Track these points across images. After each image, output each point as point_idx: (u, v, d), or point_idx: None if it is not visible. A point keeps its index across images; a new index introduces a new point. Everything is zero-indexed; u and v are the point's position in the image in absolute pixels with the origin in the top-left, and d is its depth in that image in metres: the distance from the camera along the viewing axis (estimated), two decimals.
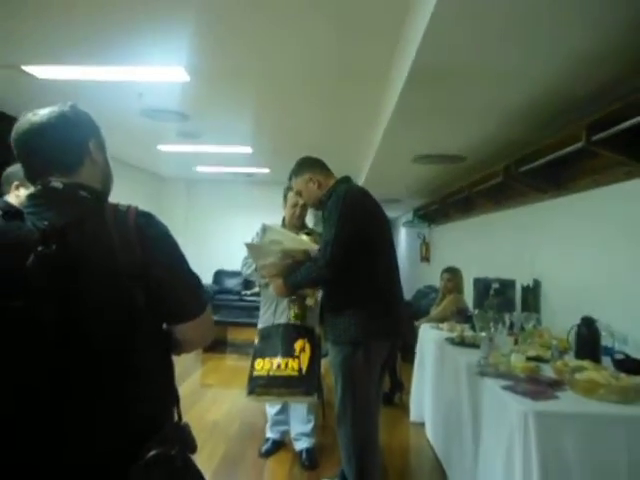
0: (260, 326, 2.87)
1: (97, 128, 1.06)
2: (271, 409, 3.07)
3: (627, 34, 1.75)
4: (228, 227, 8.00)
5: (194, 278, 1.00)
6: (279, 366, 2.33)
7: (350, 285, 2.10)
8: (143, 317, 0.88)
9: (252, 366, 2.43)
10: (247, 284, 7.80)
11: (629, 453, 1.65)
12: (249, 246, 2.31)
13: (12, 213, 0.87)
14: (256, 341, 2.59)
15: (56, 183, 0.93)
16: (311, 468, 2.83)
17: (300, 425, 2.97)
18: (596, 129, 2.20)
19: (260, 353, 2.44)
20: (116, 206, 0.94)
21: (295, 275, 2.14)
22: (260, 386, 2.35)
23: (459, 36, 1.81)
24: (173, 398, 0.99)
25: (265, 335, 2.54)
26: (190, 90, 3.28)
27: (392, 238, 2.35)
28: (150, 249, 0.90)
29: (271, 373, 2.33)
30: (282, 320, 2.65)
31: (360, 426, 2.10)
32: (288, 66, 2.88)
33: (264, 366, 2.37)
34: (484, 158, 3.89)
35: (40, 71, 3.00)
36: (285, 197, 2.97)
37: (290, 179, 2.42)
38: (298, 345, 2.37)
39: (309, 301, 2.38)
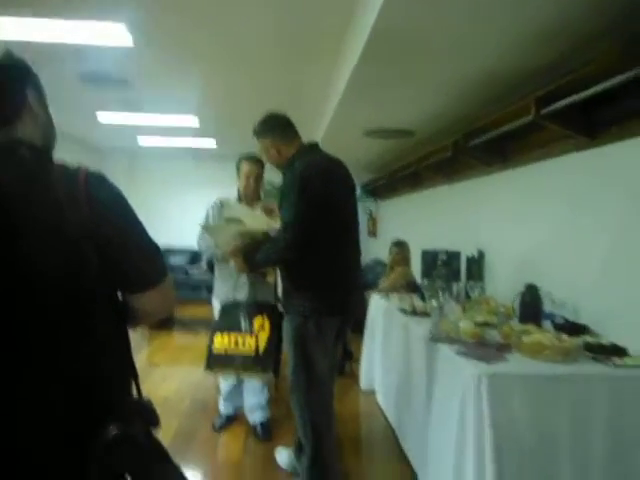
0: (216, 299, 2.83)
1: (35, 76, 0.95)
2: (225, 383, 3.03)
3: (581, 8, 1.80)
4: (173, 204, 7.74)
5: (152, 244, 0.94)
6: (237, 343, 2.33)
7: (305, 263, 2.07)
8: (96, 282, 0.82)
9: (211, 341, 2.40)
10: (193, 260, 7.63)
11: (573, 409, 1.77)
12: (206, 228, 2.23)
13: None
14: (216, 315, 2.56)
15: None
16: (266, 440, 2.85)
17: (254, 397, 2.96)
18: (545, 103, 2.27)
19: (219, 328, 2.42)
20: (64, 165, 0.86)
21: (256, 255, 2.12)
22: (218, 363, 2.35)
23: (417, 3, 1.79)
24: (131, 372, 0.93)
25: (226, 310, 2.51)
26: (133, 53, 3.07)
27: (356, 209, 2.30)
28: (102, 211, 0.83)
29: (229, 351, 2.33)
30: (242, 294, 2.62)
31: (313, 393, 2.12)
32: (239, 31, 2.75)
33: (223, 342, 2.36)
34: (433, 133, 3.96)
35: None
36: (238, 168, 2.87)
37: (253, 135, 2.28)
38: (257, 322, 2.37)
39: (269, 278, 2.35)
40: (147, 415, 0.87)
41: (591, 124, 2.26)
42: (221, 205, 2.29)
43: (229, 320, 2.42)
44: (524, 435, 1.77)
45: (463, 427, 1.82)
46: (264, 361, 2.30)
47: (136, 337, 5.18)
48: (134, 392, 0.95)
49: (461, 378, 1.89)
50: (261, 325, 2.36)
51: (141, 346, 5.04)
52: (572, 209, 2.55)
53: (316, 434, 2.11)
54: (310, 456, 2.12)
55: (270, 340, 2.32)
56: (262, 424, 2.93)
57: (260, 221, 2.24)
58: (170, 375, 4.12)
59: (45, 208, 0.79)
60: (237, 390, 3.02)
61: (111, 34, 2.72)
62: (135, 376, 0.94)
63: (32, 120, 0.90)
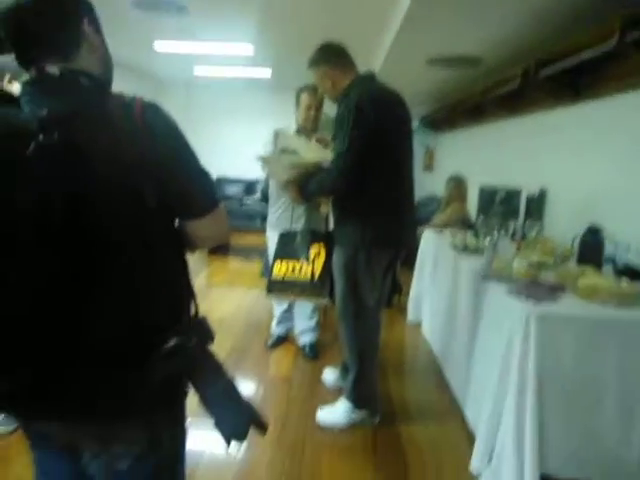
0: (270, 229, 2.96)
1: (90, 4, 0.94)
2: (278, 307, 3.22)
3: None
4: (229, 133, 7.80)
5: (204, 173, 0.95)
6: (294, 270, 2.44)
7: (358, 193, 2.08)
8: (154, 209, 0.85)
9: (272, 267, 2.53)
10: (249, 191, 7.79)
11: (622, 354, 1.76)
12: (261, 158, 2.26)
13: (7, 98, 0.81)
14: (269, 244, 2.69)
15: (52, 69, 0.84)
16: (313, 359, 3.04)
17: (305, 321, 3.13)
18: (631, 26, 2.04)
19: (280, 255, 2.54)
20: (121, 95, 0.88)
21: (309, 185, 2.14)
22: (277, 288, 2.48)
23: None
24: (189, 293, 0.99)
25: (284, 239, 2.61)
26: None
27: (411, 142, 2.25)
28: (158, 140, 0.85)
29: (287, 277, 2.45)
30: (299, 225, 2.71)
31: (360, 322, 2.20)
32: None
33: (281, 269, 2.48)
34: (501, 61, 3.68)
35: None
36: (298, 98, 2.85)
37: (309, 67, 2.25)
38: (314, 250, 2.45)
39: (323, 208, 2.39)
40: (203, 331, 0.94)
41: None
42: (276, 135, 2.30)
43: (287, 248, 2.53)
44: (568, 377, 1.78)
45: (507, 365, 1.85)
46: (320, 287, 2.39)
47: (195, 260, 5.49)
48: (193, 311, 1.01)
49: (509, 317, 1.90)
50: (317, 253, 2.44)
51: (200, 269, 5.35)
52: None
53: (361, 359, 2.23)
54: (354, 377, 2.25)
55: (325, 267, 2.39)
56: (310, 344, 3.11)
57: (315, 152, 2.24)
58: (226, 297, 4.38)
59: (105, 136, 0.81)
60: (288, 314, 3.21)
61: None
62: (193, 296, 1.00)
63: (90, 51, 0.91)
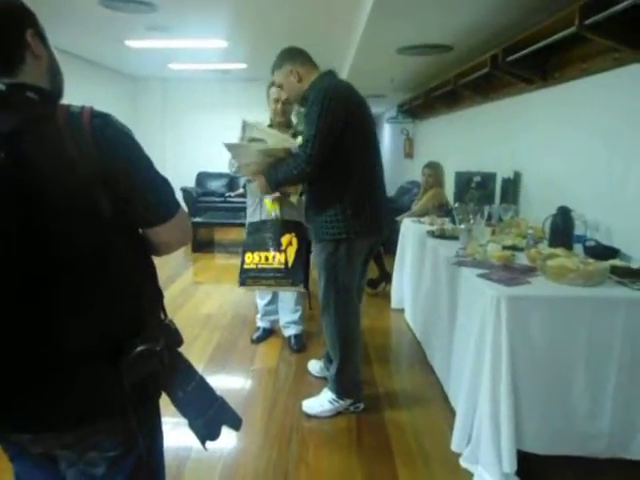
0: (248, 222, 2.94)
1: (32, 14, 0.91)
2: (261, 301, 3.26)
3: None
4: (208, 127, 7.76)
5: (160, 180, 0.94)
6: (267, 259, 2.44)
7: (332, 182, 2.12)
8: (111, 222, 0.85)
9: (242, 259, 2.52)
10: (231, 186, 7.78)
11: (590, 330, 1.82)
12: (228, 146, 2.26)
13: None
14: (245, 236, 2.66)
15: None
16: (299, 351, 3.09)
17: (288, 314, 3.17)
18: (589, 11, 2.10)
19: (249, 247, 2.52)
20: (68, 107, 0.86)
21: (276, 172, 2.15)
22: (250, 277, 2.47)
23: None
24: (156, 297, 1.00)
25: (253, 230, 2.60)
26: None
27: (376, 134, 2.32)
28: (108, 150, 0.84)
29: (259, 266, 2.44)
30: (273, 216, 2.68)
31: (342, 316, 2.26)
32: None
33: (253, 259, 2.47)
34: (471, 47, 3.71)
35: None
36: (267, 95, 2.87)
37: (272, 73, 2.32)
38: (285, 239, 2.45)
39: (292, 198, 2.40)
40: (170, 334, 0.96)
41: (638, 35, 2.08)
42: (244, 125, 2.31)
43: (257, 240, 2.51)
44: (540, 355, 1.84)
45: (481, 346, 1.90)
46: (294, 275, 2.40)
47: (180, 258, 5.51)
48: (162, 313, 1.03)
49: (481, 299, 1.95)
50: (289, 242, 2.44)
51: (185, 266, 5.36)
52: (610, 128, 2.43)
53: (343, 349, 2.29)
54: (337, 368, 2.31)
55: (298, 254, 2.40)
56: (296, 336, 3.16)
57: (282, 141, 2.26)
58: (213, 293, 4.41)
59: (54, 150, 0.81)
60: (272, 307, 3.25)
61: None
62: (161, 299, 1.01)
63: (35, 63, 0.89)
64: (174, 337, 0.97)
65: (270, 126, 2.87)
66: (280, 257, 2.42)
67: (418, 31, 3.33)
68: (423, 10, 2.88)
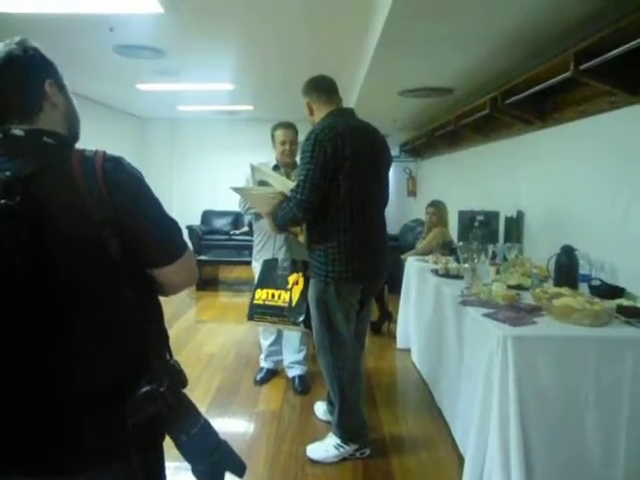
0: (255, 261, 3.04)
1: (51, 65, 0.97)
2: (265, 341, 3.23)
3: None
4: (214, 167, 7.90)
5: (169, 222, 0.97)
6: (273, 296, 2.56)
7: (322, 224, 2.13)
8: (120, 264, 0.87)
9: (253, 295, 2.65)
10: (236, 223, 7.85)
11: (598, 371, 1.78)
12: (235, 189, 2.35)
13: None
14: (258, 273, 2.80)
15: (17, 130, 0.88)
16: (303, 393, 3.03)
17: (293, 355, 3.13)
18: (584, 57, 2.17)
19: (260, 284, 2.67)
20: (82, 152, 0.89)
21: (277, 215, 2.21)
22: (257, 313, 2.60)
23: None
24: (162, 337, 1.00)
25: (266, 267, 2.73)
26: (164, 23, 3.11)
27: (379, 176, 2.28)
28: (119, 194, 0.87)
29: (266, 302, 2.57)
30: (281, 254, 2.79)
31: (337, 353, 2.21)
32: (267, 3, 2.73)
33: (262, 296, 2.60)
34: (472, 90, 3.82)
35: None
36: (272, 136, 2.94)
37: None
38: (292, 278, 2.55)
39: (300, 238, 2.44)
40: (175, 376, 0.96)
41: (633, 79, 2.14)
42: (253, 169, 2.39)
43: (269, 277, 2.65)
44: (549, 397, 1.80)
45: (489, 387, 1.86)
46: (295, 314, 2.46)
47: (184, 297, 5.50)
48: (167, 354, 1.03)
49: (487, 339, 1.93)
50: (295, 281, 2.53)
51: (189, 305, 5.34)
52: (610, 169, 2.46)
53: (342, 391, 2.23)
54: (339, 410, 2.26)
55: (303, 294, 2.46)
56: (300, 377, 3.11)
57: (283, 184, 2.31)
58: (216, 331, 4.38)
59: (67, 195, 0.84)
60: (276, 347, 3.22)
61: (142, 4, 2.77)
62: (166, 340, 1.02)
63: (53, 111, 0.94)
64: (179, 378, 0.96)
65: (276, 167, 2.93)
66: (285, 295, 2.51)
67: (418, 75, 3.44)
68: (422, 56, 2.98)
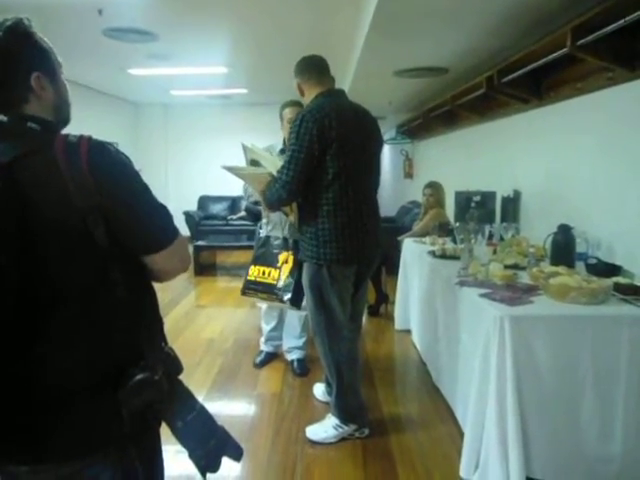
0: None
1: (43, 54, 0.94)
2: (266, 325, 3.25)
3: None
4: (209, 151, 7.83)
5: (157, 208, 0.94)
6: (264, 273, 2.64)
7: (312, 206, 2.12)
8: (107, 250, 0.86)
9: (247, 271, 2.73)
10: (233, 208, 7.82)
11: (595, 349, 1.80)
12: (226, 168, 2.35)
13: None
14: (255, 249, 2.87)
15: (0, 116, 0.86)
16: (302, 375, 3.05)
17: (293, 340, 3.15)
18: (581, 33, 2.13)
19: (255, 260, 2.75)
20: (66, 137, 0.86)
21: (265, 194, 2.21)
22: (249, 288, 2.69)
23: None
24: (155, 324, 0.99)
25: (260, 244, 2.79)
26: (155, 5, 3.05)
27: (376, 158, 2.29)
28: (104, 179, 0.85)
29: (258, 279, 2.66)
30: (275, 231, 2.81)
31: (333, 336, 2.22)
32: None
33: (254, 272, 2.69)
34: (467, 69, 3.77)
35: None
36: (281, 114, 2.92)
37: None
38: (282, 257, 2.61)
39: (291, 217, 2.44)
40: (170, 363, 0.95)
41: (630, 55, 2.11)
42: (244, 149, 2.39)
43: (262, 254, 2.72)
44: (546, 377, 1.81)
45: (486, 368, 1.88)
46: (283, 291, 2.52)
47: (183, 282, 5.50)
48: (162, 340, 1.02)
49: (485, 319, 1.94)
50: (285, 260, 2.58)
51: (188, 290, 5.34)
52: (607, 146, 2.45)
53: (339, 372, 2.24)
54: (336, 392, 2.27)
55: (291, 273, 2.51)
56: (299, 360, 3.13)
57: (273, 163, 2.30)
58: (215, 316, 4.39)
59: (50, 180, 0.82)
60: (277, 332, 3.23)
61: None
62: (161, 326, 1.01)
63: (39, 101, 0.91)
64: (174, 365, 0.95)
65: (282, 150, 2.91)
66: (274, 273, 2.58)
67: (413, 54, 3.39)
68: (417, 34, 2.93)
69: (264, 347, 3.29)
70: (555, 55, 2.41)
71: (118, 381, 0.86)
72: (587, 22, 2.10)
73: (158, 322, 1.00)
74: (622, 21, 1.91)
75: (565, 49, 2.24)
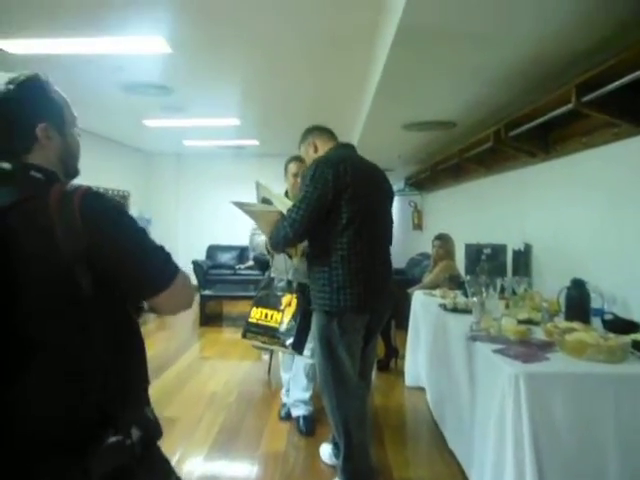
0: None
1: (52, 106, 0.95)
2: (285, 374, 3.18)
3: None
4: (219, 201, 7.92)
5: (155, 250, 0.93)
6: (266, 316, 2.56)
7: (322, 252, 2.11)
8: (92, 301, 0.84)
9: (250, 312, 2.64)
10: (241, 258, 7.83)
11: (616, 410, 1.69)
12: (235, 203, 2.37)
13: None
14: (257, 290, 2.82)
15: (4, 164, 0.87)
16: (308, 434, 2.91)
17: (299, 392, 3.04)
18: (586, 89, 2.17)
19: (257, 302, 2.66)
20: (63, 186, 0.88)
21: (272, 232, 2.20)
22: (251, 331, 2.59)
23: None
24: (138, 383, 0.95)
25: (264, 286, 2.74)
26: (172, 62, 3.19)
27: (383, 208, 2.30)
28: (93, 225, 0.84)
29: (260, 322, 2.57)
30: (290, 274, 2.75)
31: (342, 392, 2.13)
32: (273, 34, 2.80)
33: (256, 315, 2.60)
34: (475, 123, 3.85)
35: (10, 45, 2.86)
36: (286, 168, 2.97)
37: (299, 148, 2.45)
38: (286, 300, 2.53)
39: (295, 260, 2.42)
40: (148, 427, 0.90)
41: (636, 110, 2.13)
42: (258, 186, 2.42)
43: (265, 296, 2.66)
44: (565, 436, 1.70)
45: (502, 427, 1.78)
46: (285, 335, 2.44)
47: (188, 332, 5.42)
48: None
49: (499, 377, 1.85)
50: (288, 302, 2.50)
51: (192, 341, 5.25)
52: (616, 200, 2.43)
53: (347, 431, 2.14)
54: (344, 453, 2.15)
55: (294, 317, 2.43)
56: (304, 417, 3.00)
57: (284, 205, 2.31)
58: (219, 369, 4.28)
59: (39, 228, 0.82)
60: None
61: (151, 45, 2.84)
62: (145, 384, 0.96)
63: (43, 150, 0.93)
64: (152, 430, 0.90)
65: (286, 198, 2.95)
66: (277, 316, 2.50)
67: (421, 108, 3.47)
68: (423, 89, 3.01)
69: (285, 399, 3.19)
70: (560, 111, 2.44)
71: (87, 440, 0.81)
72: (592, 79, 2.14)
73: (141, 382, 0.95)
74: (626, 78, 1.94)
75: (570, 105, 2.28)
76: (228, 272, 7.55)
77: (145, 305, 0.97)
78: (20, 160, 0.89)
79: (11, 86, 0.90)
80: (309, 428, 2.94)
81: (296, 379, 3.06)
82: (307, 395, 3.02)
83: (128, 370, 0.93)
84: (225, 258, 7.97)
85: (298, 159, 2.90)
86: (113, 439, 0.82)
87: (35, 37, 2.76)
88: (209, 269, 7.59)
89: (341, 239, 2.07)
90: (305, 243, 2.30)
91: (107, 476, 0.82)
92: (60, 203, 0.83)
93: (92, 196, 0.87)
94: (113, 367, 0.88)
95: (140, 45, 2.85)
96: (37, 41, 2.79)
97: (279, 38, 2.84)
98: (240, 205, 2.42)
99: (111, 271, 0.86)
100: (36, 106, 0.93)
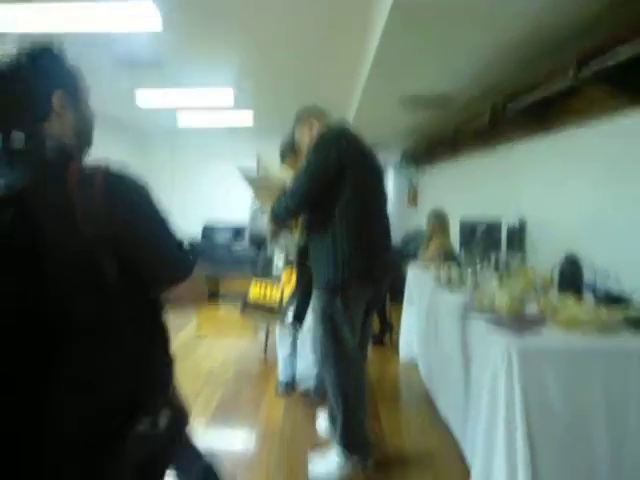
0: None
1: (67, 75, 0.95)
2: (282, 350, 3.20)
3: None
4: (215, 180, 7.89)
5: (174, 242, 0.93)
6: (265, 292, 2.65)
7: (325, 229, 2.11)
8: (116, 285, 0.82)
9: (249, 290, 2.73)
10: (236, 236, 7.82)
11: (607, 383, 1.73)
12: (240, 169, 2.38)
13: None
14: (259, 263, 2.89)
15: (18, 136, 0.84)
16: (319, 400, 2.89)
17: (306, 369, 3.09)
18: (585, 63, 2.14)
19: (257, 276, 2.75)
20: (81, 166, 0.85)
21: (274, 203, 2.22)
22: (249, 308, 2.72)
23: None
24: (164, 367, 0.95)
25: (264, 258, 2.81)
26: (163, 35, 3.11)
27: (380, 184, 2.31)
28: (118, 210, 0.83)
29: (258, 301, 2.67)
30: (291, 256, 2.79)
31: (342, 366, 2.16)
32: (268, 10, 2.73)
33: (254, 292, 2.70)
34: (471, 99, 3.80)
35: None
36: (282, 156, 2.90)
37: (293, 131, 2.45)
38: (286, 275, 2.57)
39: (295, 234, 2.42)
40: (176, 412, 0.91)
41: (635, 84, 2.11)
42: (259, 159, 2.44)
43: (265, 270, 2.73)
44: (556, 410, 1.74)
45: (495, 400, 1.81)
46: (285, 312, 2.51)
47: (183, 311, 5.42)
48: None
49: (492, 350, 1.88)
50: (288, 278, 2.55)
51: (188, 319, 5.28)
52: (613, 175, 2.43)
53: (346, 404, 2.17)
54: (342, 423, 2.19)
55: (293, 294, 2.49)
56: (315, 387, 3.03)
57: (287, 176, 2.32)
58: (215, 347, 4.31)
59: (60, 210, 0.80)
60: (293, 358, 3.19)
61: (140, 14, 2.75)
62: (171, 368, 0.96)
63: (60, 121, 0.91)
64: (180, 415, 0.91)
65: None
66: (277, 293, 2.57)
67: (417, 83, 3.42)
68: (420, 64, 2.97)
69: (282, 376, 3.22)
70: (558, 85, 2.41)
71: (118, 431, 0.81)
72: (590, 52, 2.11)
73: (167, 366, 0.95)
74: (624, 52, 1.91)
75: (568, 79, 2.25)
76: (224, 250, 7.54)
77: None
78: (36, 129, 0.88)
79: (27, 55, 0.90)
80: (318, 396, 2.96)
81: (303, 355, 3.10)
82: (316, 370, 3.05)
83: (157, 354, 0.93)
84: (221, 237, 7.92)
85: (292, 149, 2.82)
86: (144, 426, 0.82)
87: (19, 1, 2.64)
88: (205, 249, 7.58)
89: (346, 213, 2.08)
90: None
91: (137, 465, 0.83)
92: (80, 185, 0.81)
93: (116, 179, 0.86)
94: (141, 351, 0.88)
95: (131, 22, 2.77)
96: (22, 5, 2.67)
97: (274, 13, 2.77)
98: (246, 173, 2.42)
99: (133, 257, 0.85)
100: (52, 74, 0.93)
